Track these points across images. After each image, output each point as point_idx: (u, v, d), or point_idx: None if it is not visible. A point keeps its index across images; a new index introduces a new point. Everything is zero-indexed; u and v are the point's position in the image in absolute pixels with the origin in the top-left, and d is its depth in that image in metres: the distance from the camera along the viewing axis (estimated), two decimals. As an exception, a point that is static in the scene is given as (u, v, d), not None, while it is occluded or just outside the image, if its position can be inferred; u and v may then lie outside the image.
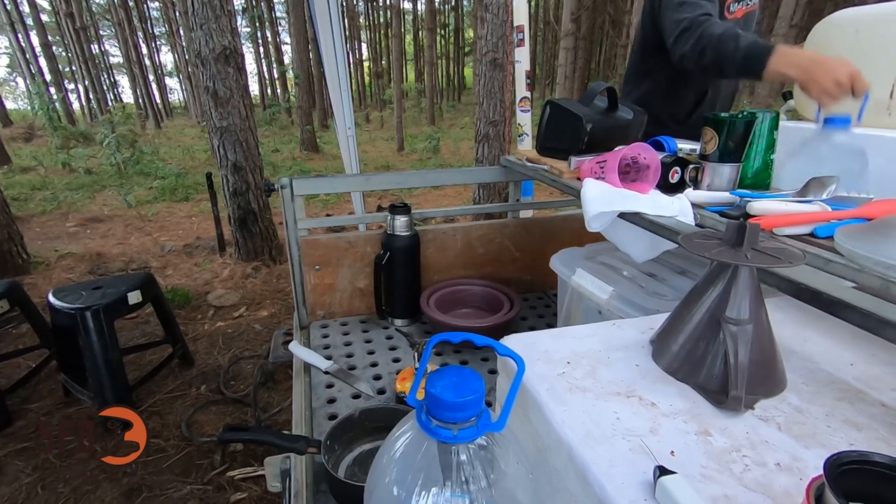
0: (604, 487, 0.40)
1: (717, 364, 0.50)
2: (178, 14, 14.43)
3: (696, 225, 0.83)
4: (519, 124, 2.63)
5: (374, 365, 1.23)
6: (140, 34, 18.04)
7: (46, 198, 5.50)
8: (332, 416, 1.04)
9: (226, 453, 1.69)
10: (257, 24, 20.32)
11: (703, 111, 1.52)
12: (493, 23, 3.26)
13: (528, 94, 2.60)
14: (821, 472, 0.31)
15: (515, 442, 0.43)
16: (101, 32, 20.83)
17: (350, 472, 0.89)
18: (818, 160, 0.96)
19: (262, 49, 22.67)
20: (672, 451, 0.43)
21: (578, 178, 1.05)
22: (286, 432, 0.84)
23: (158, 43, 22.19)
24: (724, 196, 0.91)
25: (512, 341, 0.61)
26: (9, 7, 14.31)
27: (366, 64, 28.26)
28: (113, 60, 22.55)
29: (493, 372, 1.16)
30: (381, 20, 25.65)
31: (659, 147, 1.07)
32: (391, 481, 0.40)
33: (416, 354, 1.12)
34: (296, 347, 1.23)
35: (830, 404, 0.50)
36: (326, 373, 1.17)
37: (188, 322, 2.66)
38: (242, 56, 3.36)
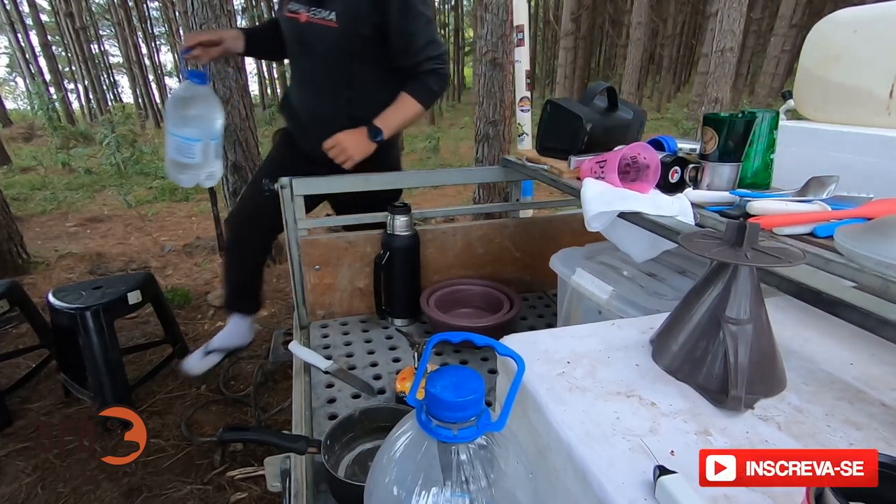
0: (603, 487, 0.40)
1: (717, 364, 0.50)
2: (177, 14, 14.40)
3: (696, 225, 0.83)
4: (519, 124, 2.63)
5: (374, 365, 1.23)
6: (140, 34, 18.02)
7: (46, 198, 5.50)
8: (332, 416, 1.04)
9: (226, 453, 1.69)
10: (257, 23, 20.27)
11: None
12: (492, 22, 3.26)
13: (528, 93, 2.60)
14: (821, 471, 0.31)
15: (515, 442, 0.43)
16: (100, 32, 20.81)
17: (350, 472, 0.89)
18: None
19: (262, 49, 22.58)
20: (672, 451, 0.43)
21: (578, 178, 1.05)
22: (286, 432, 0.84)
23: (158, 43, 22.16)
24: (724, 196, 0.91)
25: (512, 341, 0.61)
26: (8, 7, 14.31)
27: (366, 64, 28.17)
28: (113, 60, 22.52)
29: (493, 372, 1.16)
30: (381, 20, 25.59)
31: (659, 147, 1.07)
32: (391, 481, 0.40)
33: (415, 354, 1.12)
34: (296, 347, 1.23)
35: (830, 404, 0.50)
36: (326, 373, 1.17)
37: (188, 322, 2.65)
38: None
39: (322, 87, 1.47)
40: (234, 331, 1.91)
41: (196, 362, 1.90)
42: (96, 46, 18.76)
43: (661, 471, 0.39)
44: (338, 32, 1.36)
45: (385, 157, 1.54)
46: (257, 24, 2.05)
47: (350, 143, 1.41)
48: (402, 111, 1.45)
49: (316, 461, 0.88)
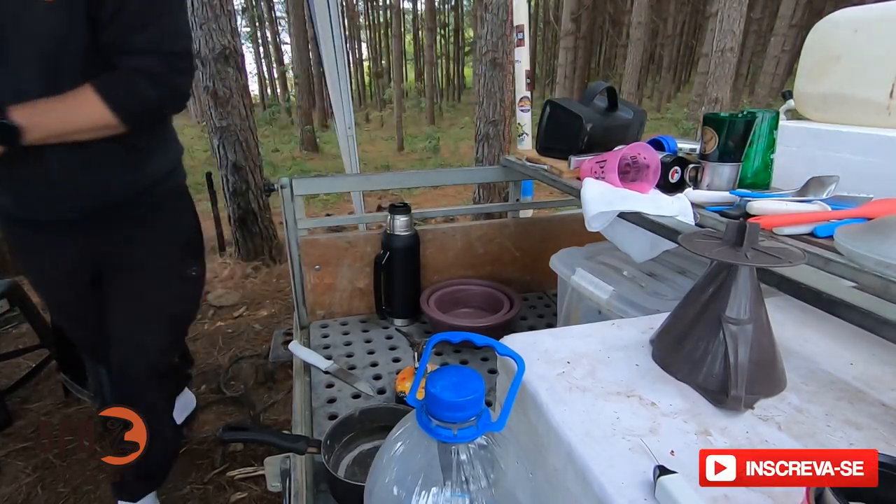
0: (603, 487, 0.40)
1: (717, 364, 0.50)
2: (177, 14, 14.37)
3: (696, 224, 0.83)
4: (519, 124, 2.63)
5: (374, 365, 1.23)
6: (140, 34, 18.00)
7: (46, 198, 5.49)
8: (332, 416, 1.04)
9: (226, 453, 1.69)
10: (257, 23, 20.32)
11: None
12: (493, 22, 3.26)
13: (528, 93, 2.60)
14: (821, 471, 0.31)
15: (515, 441, 0.43)
16: (100, 32, 20.78)
17: (350, 472, 0.89)
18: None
19: (262, 49, 22.68)
20: (672, 451, 0.43)
21: (578, 178, 1.05)
22: (286, 432, 0.84)
23: (158, 43, 22.12)
24: (724, 196, 0.91)
25: (512, 341, 0.61)
26: (8, 7, 14.28)
27: (366, 64, 28.27)
28: (113, 60, 22.49)
29: (493, 372, 1.16)
30: (381, 20, 25.66)
31: (659, 147, 1.07)
32: (391, 481, 0.41)
33: (416, 354, 1.13)
34: (296, 347, 1.23)
35: (830, 404, 0.50)
36: (326, 373, 1.17)
37: (188, 322, 2.65)
38: (242, 56, 3.36)
39: None
40: None
41: None
42: (96, 46, 18.72)
43: (661, 471, 0.39)
44: (56, 12, 0.81)
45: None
46: None
47: None
48: (69, 107, 0.85)
49: (316, 461, 0.88)
